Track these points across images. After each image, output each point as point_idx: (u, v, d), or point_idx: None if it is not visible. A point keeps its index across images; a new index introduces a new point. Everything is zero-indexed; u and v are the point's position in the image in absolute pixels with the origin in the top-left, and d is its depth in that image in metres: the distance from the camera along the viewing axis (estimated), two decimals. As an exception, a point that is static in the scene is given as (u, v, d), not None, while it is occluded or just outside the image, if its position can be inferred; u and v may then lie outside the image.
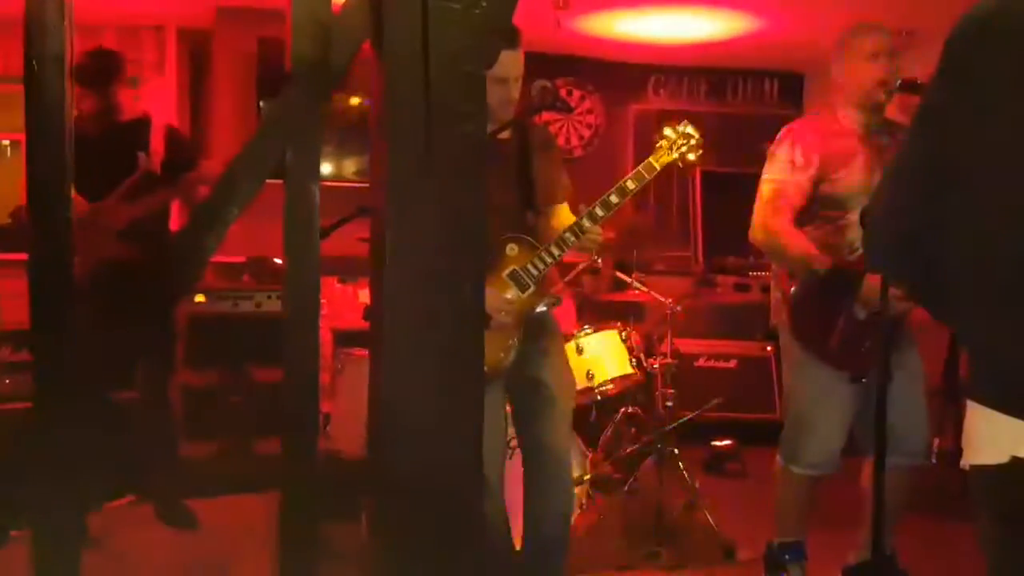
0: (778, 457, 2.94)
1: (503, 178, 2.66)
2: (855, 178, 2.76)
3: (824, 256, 2.72)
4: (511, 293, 2.61)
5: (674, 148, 2.71)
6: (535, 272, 2.62)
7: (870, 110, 2.82)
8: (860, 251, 2.73)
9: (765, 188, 2.82)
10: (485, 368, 2.50)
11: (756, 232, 2.83)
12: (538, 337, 2.71)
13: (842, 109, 2.84)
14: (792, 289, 2.82)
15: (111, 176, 3.21)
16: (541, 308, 2.67)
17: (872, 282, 2.58)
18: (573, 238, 2.61)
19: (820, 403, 2.80)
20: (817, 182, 2.78)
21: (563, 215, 2.82)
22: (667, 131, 2.73)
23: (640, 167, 2.67)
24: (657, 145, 2.73)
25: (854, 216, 2.74)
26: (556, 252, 2.62)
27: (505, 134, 2.70)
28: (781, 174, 2.79)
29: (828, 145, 2.78)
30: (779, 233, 2.77)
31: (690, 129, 2.73)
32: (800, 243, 2.76)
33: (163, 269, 3.17)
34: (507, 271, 2.62)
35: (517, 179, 2.69)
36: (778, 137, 2.86)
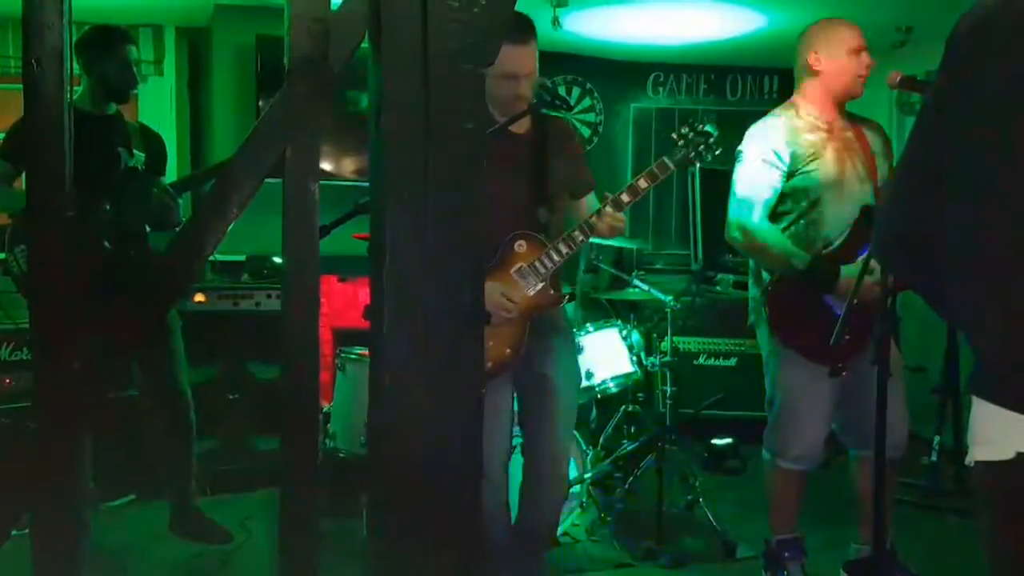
0: (764, 452, 2.96)
1: (516, 173, 2.63)
2: (826, 171, 2.78)
3: (802, 253, 2.73)
4: (517, 290, 2.60)
5: (689, 147, 2.67)
6: (542, 269, 2.61)
7: (843, 103, 2.85)
8: (835, 245, 2.74)
9: (738, 188, 2.83)
10: (490, 363, 2.56)
11: (733, 231, 2.83)
12: (547, 335, 2.70)
13: (810, 104, 2.85)
14: (769, 285, 2.83)
15: (91, 164, 3.02)
16: (549, 306, 2.67)
17: (848, 276, 2.60)
18: (582, 236, 2.60)
19: (802, 397, 2.82)
20: (788, 177, 2.79)
21: (585, 209, 2.78)
22: (683, 129, 2.69)
23: (653, 166, 2.63)
24: (673, 143, 2.69)
25: (827, 210, 2.76)
26: (564, 250, 2.60)
27: (522, 128, 2.68)
28: (753, 172, 2.80)
29: (797, 140, 2.79)
30: (757, 232, 2.78)
31: (709, 128, 2.69)
32: (779, 241, 2.78)
33: (147, 269, 3.16)
34: (515, 268, 2.61)
35: (531, 175, 2.65)
36: (746, 135, 2.87)
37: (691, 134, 2.67)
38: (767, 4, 4.73)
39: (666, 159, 2.64)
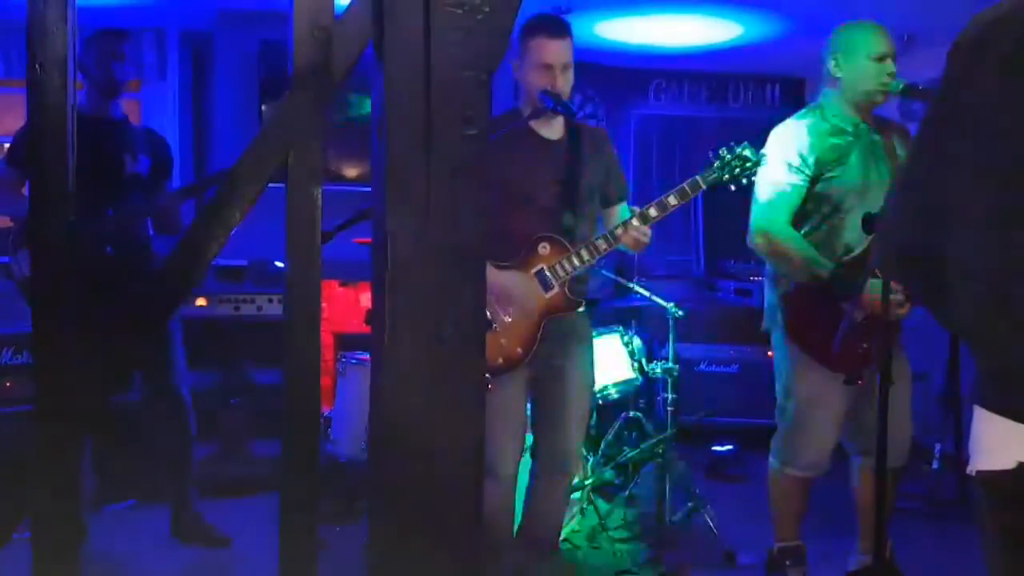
0: (771, 459, 2.94)
1: (546, 177, 2.67)
2: (850, 177, 2.75)
3: (825, 260, 2.71)
4: (536, 291, 2.62)
5: (725, 169, 2.68)
6: (562, 273, 2.62)
7: (865, 108, 2.81)
8: (856, 253, 2.73)
9: (761, 191, 2.80)
10: (500, 360, 2.58)
11: (756, 236, 2.81)
12: (565, 340, 2.71)
13: (835, 107, 2.82)
14: (787, 291, 2.82)
15: (95, 168, 3.04)
16: (564, 310, 2.67)
17: (869, 286, 2.58)
18: (605, 245, 2.62)
19: (815, 404, 2.80)
20: (813, 182, 2.77)
21: (616, 217, 2.82)
22: (723, 151, 2.70)
23: (685, 183, 2.65)
24: (709, 164, 2.70)
25: (850, 216, 2.74)
26: (586, 256, 2.62)
27: (556, 134, 2.71)
28: (777, 176, 2.77)
29: (822, 144, 2.76)
30: (780, 238, 2.76)
31: (748, 152, 2.69)
32: (802, 247, 2.75)
33: (150, 275, 3.17)
34: (535, 268, 2.63)
35: (562, 180, 2.68)
36: (770, 138, 2.83)
37: (728, 156, 2.68)
38: (771, 11, 4.73)
39: (699, 178, 2.66)
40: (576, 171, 2.68)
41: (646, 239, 2.62)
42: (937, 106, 1.34)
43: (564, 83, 2.62)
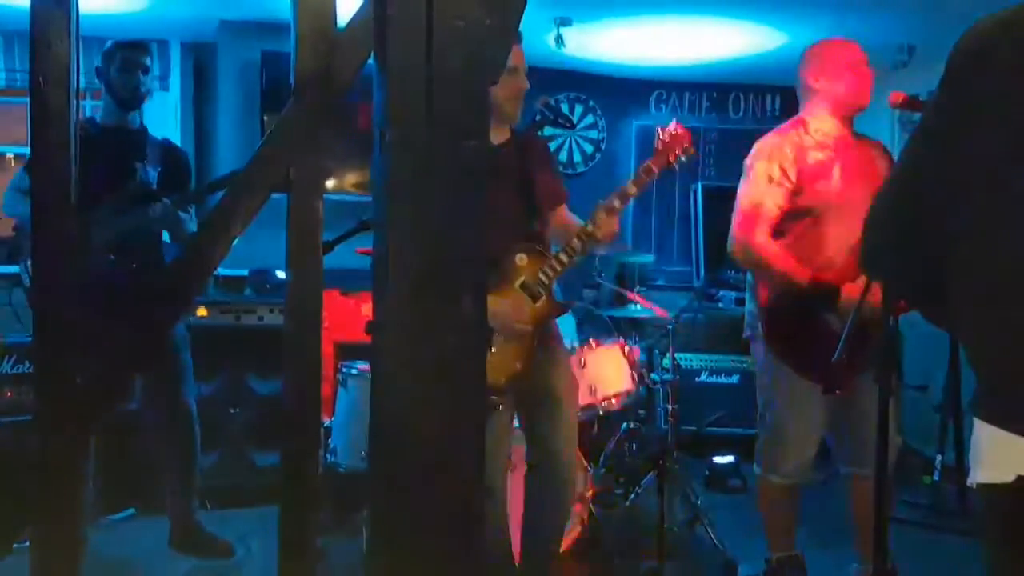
0: (755, 467, 2.96)
1: (506, 189, 2.69)
2: (831, 190, 2.78)
3: (804, 270, 2.74)
4: (525, 303, 2.63)
5: (667, 150, 2.75)
6: (545, 281, 2.64)
7: (848, 121, 2.86)
8: (836, 264, 2.75)
9: (743, 203, 2.85)
10: (501, 379, 2.58)
11: (736, 247, 2.86)
12: (545, 346, 2.72)
13: (817, 121, 2.87)
14: (767, 301, 2.84)
15: (107, 177, 3.05)
16: (554, 316, 2.69)
17: (848, 295, 2.61)
18: (580, 244, 2.64)
19: (793, 413, 2.83)
20: (794, 195, 2.80)
21: (565, 215, 2.86)
22: (658, 131, 2.79)
23: (639, 169, 2.73)
24: (653, 148, 2.78)
25: (830, 228, 2.77)
26: (565, 259, 2.65)
27: (505, 144, 2.74)
28: (758, 188, 2.81)
29: (804, 158, 2.80)
30: (760, 249, 2.80)
31: (680, 130, 2.78)
32: (781, 258, 2.79)
33: (157, 282, 3.16)
34: (518, 281, 2.64)
35: (519, 189, 2.72)
36: (753, 151, 2.90)
37: (667, 137, 2.76)
38: (770, 24, 4.75)
39: (650, 163, 2.73)
40: (531, 177, 2.73)
41: (616, 230, 2.67)
42: (935, 108, 1.35)
43: (525, 85, 2.69)
